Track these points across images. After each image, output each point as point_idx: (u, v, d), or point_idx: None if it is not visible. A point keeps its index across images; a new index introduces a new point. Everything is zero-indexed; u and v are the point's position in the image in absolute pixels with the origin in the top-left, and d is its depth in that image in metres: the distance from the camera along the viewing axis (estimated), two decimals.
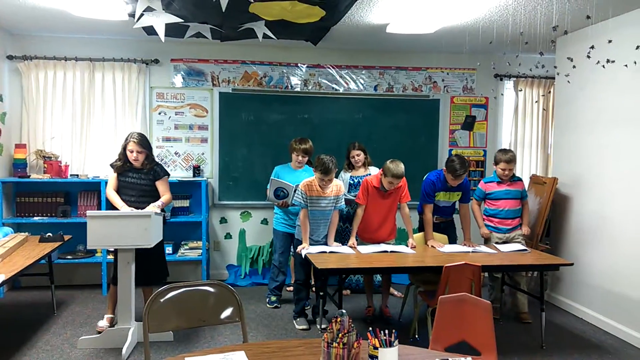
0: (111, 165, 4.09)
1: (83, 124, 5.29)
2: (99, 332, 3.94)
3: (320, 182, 4.02)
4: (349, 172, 4.93)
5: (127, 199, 3.98)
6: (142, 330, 2.14)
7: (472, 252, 4.05)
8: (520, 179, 4.53)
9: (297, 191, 4.14)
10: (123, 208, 3.87)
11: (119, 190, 4.02)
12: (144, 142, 4.01)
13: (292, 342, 2.10)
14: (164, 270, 4.18)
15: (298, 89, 5.70)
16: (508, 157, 4.35)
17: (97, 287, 5.13)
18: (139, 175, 4.04)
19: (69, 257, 5.12)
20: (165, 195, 4.08)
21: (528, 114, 6.03)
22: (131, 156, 3.97)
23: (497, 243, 4.36)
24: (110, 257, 5.00)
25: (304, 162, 4.66)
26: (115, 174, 4.04)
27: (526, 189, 4.58)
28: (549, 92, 6.00)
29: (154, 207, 3.90)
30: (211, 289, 2.34)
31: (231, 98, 5.56)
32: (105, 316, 4.16)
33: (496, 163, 4.43)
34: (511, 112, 6.06)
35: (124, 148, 3.98)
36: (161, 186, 4.11)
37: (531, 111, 6.04)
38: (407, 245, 4.18)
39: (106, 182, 4.30)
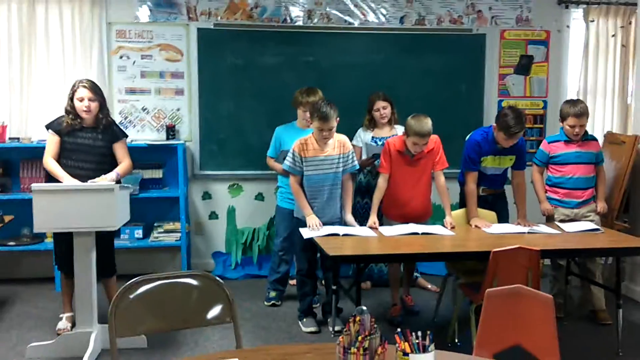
0: (52, 124, 4.09)
1: (23, 73, 5.28)
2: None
3: (319, 134, 4.05)
4: (370, 131, 4.91)
5: (82, 166, 4.01)
6: (108, 335, 2.18)
7: (529, 232, 4.06)
8: (594, 138, 4.51)
9: (289, 152, 4.17)
10: (66, 181, 3.89)
11: (65, 157, 4.05)
12: (96, 88, 4.06)
13: (298, 347, 2.13)
14: (111, 264, 4.24)
15: (300, 23, 5.65)
16: (578, 109, 4.30)
17: (49, 280, 5.20)
18: (93, 135, 4.07)
19: (11, 243, 5.19)
20: (124, 162, 4.13)
21: (602, 52, 5.95)
22: (81, 107, 3.98)
23: (562, 221, 4.36)
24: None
25: None
26: (57, 137, 4.05)
27: (602, 150, 4.55)
28: (630, 22, 5.90)
29: (105, 179, 3.90)
30: (195, 282, 2.36)
31: (213, 36, 5.52)
32: (64, 316, 4.25)
33: (563, 118, 4.39)
34: (580, 50, 5.97)
35: (71, 98, 4.01)
36: (120, 150, 4.16)
37: (606, 48, 5.95)
38: (444, 225, 4.19)
39: None
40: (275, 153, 4.77)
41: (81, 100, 3.98)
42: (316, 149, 4.10)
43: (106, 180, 3.88)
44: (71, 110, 4.03)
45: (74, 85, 4.05)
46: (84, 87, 4.00)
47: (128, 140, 5.29)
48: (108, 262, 4.18)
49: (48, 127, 4.10)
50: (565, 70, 6.02)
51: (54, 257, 4.30)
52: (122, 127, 4.29)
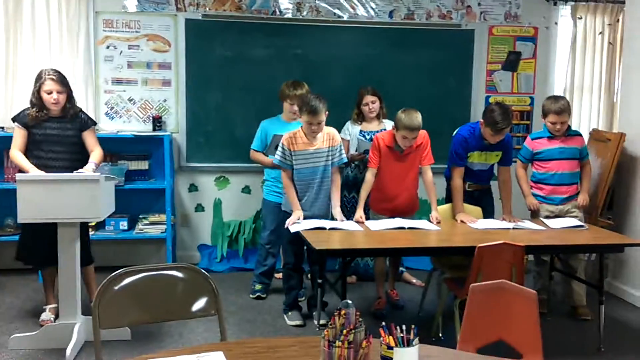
0: (17, 117, 4.05)
1: (8, 62, 5.23)
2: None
3: (308, 128, 4.05)
4: (358, 124, 4.92)
5: (53, 156, 4.00)
6: (92, 327, 2.17)
7: (514, 228, 4.09)
8: (579, 134, 4.55)
9: (278, 147, 4.17)
10: (32, 172, 3.87)
11: (35, 148, 4.03)
12: (63, 80, 4.03)
13: (283, 341, 2.14)
14: (87, 253, 4.20)
15: (289, 16, 5.63)
16: (559, 106, 4.33)
17: (32, 271, 5.16)
18: (61, 125, 4.05)
19: None
20: (95, 151, 4.12)
21: (589, 49, 5.99)
22: (49, 99, 3.96)
23: (547, 217, 4.40)
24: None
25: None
26: (24, 130, 4.02)
27: (587, 145, 4.59)
28: (618, 20, 5.94)
29: (88, 169, 3.90)
30: (180, 274, 2.36)
31: (201, 27, 5.50)
32: (47, 307, 4.23)
33: (545, 115, 4.43)
34: (567, 47, 6.01)
35: (38, 91, 3.97)
36: (90, 138, 4.14)
37: (593, 46, 5.99)
38: (430, 220, 4.21)
39: None
40: (260, 146, 4.76)
41: (49, 93, 3.95)
42: (305, 142, 4.10)
43: (87, 170, 3.88)
44: (37, 102, 3.98)
45: (40, 77, 3.99)
46: (52, 79, 3.96)
47: (114, 130, 5.34)
48: (84, 251, 4.13)
49: (14, 119, 4.07)
50: (553, 67, 6.06)
51: (17, 250, 4.21)
52: (89, 115, 4.28)
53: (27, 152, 4.04)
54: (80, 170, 3.86)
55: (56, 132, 4.03)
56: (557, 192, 4.47)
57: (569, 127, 4.46)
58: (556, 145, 4.43)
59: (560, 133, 4.40)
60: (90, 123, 4.17)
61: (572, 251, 4.37)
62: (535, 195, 4.52)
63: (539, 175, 4.51)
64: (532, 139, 4.54)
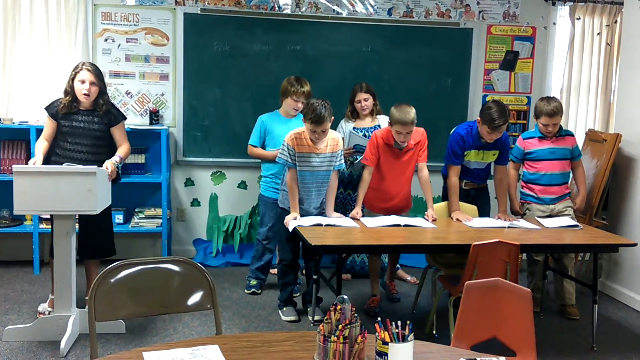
0: (48, 107, 4.09)
1: (6, 53, 5.21)
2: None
3: (311, 134, 4.03)
4: (352, 121, 4.93)
5: (77, 149, 4.04)
6: (87, 319, 2.17)
7: (509, 227, 4.10)
8: (570, 134, 4.56)
9: (282, 145, 4.15)
10: (37, 162, 3.89)
11: (61, 140, 4.05)
12: (99, 74, 4.07)
13: (278, 335, 2.15)
14: (109, 245, 4.24)
15: (288, 11, 5.63)
16: (551, 108, 4.31)
17: (27, 264, 5.17)
18: (89, 118, 4.07)
19: None
20: (123, 146, 4.15)
21: (587, 50, 6.00)
22: (81, 89, 3.98)
23: (539, 217, 4.41)
24: (47, 226, 5.02)
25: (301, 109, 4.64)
26: (52, 121, 4.05)
27: (579, 146, 4.60)
28: (616, 21, 5.96)
29: (111, 163, 3.96)
30: (176, 268, 2.37)
31: (200, 21, 5.49)
32: (48, 297, 4.24)
33: (537, 116, 4.42)
34: (565, 47, 6.02)
35: (72, 79, 4.00)
36: (118, 133, 4.17)
37: (591, 46, 6.01)
38: (426, 218, 4.22)
39: (39, 130, 4.27)
40: (258, 142, 4.75)
41: (82, 82, 3.98)
42: (310, 145, 4.06)
43: (110, 163, 3.94)
44: (70, 91, 4.02)
45: (76, 67, 4.04)
46: (87, 70, 4.00)
47: None
48: (108, 243, 4.22)
49: (46, 109, 4.11)
50: (550, 67, 6.06)
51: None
52: (120, 110, 4.30)
53: (54, 142, 4.08)
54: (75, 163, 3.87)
55: (82, 125, 4.05)
56: (548, 193, 4.48)
57: (561, 127, 4.47)
58: (547, 145, 4.44)
59: (551, 135, 4.42)
60: (120, 118, 4.19)
61: (566, 250, 4.39)
62: (526, 195, 4.54)
63: (530, 176, 4.52)
64: (524, 139, 4.55)
